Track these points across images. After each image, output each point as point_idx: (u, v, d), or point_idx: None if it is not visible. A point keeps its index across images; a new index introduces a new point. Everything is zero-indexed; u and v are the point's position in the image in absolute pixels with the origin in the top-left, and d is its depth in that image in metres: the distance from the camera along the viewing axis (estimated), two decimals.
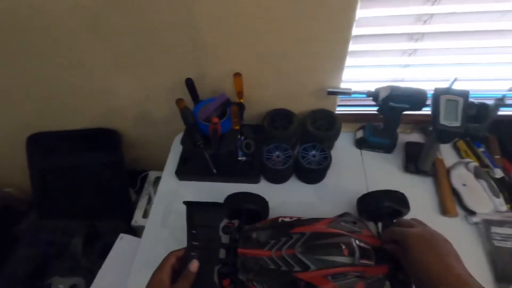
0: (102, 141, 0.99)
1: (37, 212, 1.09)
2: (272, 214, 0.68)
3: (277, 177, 0.78)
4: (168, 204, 0.78)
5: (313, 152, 0.76)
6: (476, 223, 0.68)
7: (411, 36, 0.69)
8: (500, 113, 0.64)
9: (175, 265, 0.49)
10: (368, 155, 0.84)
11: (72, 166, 1.05)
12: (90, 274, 0.91)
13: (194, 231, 0.52)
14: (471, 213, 0.69)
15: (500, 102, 0.62)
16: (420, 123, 0.86)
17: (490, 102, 0.64)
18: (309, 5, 0.59)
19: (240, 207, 0.60)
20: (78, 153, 1.04)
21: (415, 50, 0.70)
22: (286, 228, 0.53)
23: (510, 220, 0.67)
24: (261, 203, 0.64)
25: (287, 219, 0.56)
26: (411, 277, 0.44)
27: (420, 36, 0.67)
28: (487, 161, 0.76)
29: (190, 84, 0.73)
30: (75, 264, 0.93)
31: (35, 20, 0.67)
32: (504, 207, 0.68)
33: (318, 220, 0.57)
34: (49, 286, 0.89)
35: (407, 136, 0.86)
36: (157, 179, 1.13)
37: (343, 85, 0.76)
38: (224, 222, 0.54)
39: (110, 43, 0.71)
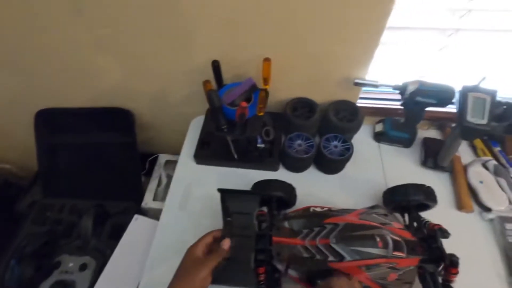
0: (115, 120, 0.96)
1: (43, 190, 1.06)
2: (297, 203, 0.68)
3: (298, 166, 0.78)
4: (186, 188, 0.78)
5: (335, 142, 0.76)
6: (491, 220, 0.70)
7: (444, 31, 0.69)
8: None
9: (211, 244, 0.50)
10: (386, 148, 0.85)
11: (82, 144, 1.02)
12: (100, 254, 0.90)
13: (229, 218, 0.51)
14: (487, 209, 0.71)
15: None
16: (438, 120, 0.87)
17: None
18: None
19: (273, 195, 0.60)
20: (89, 132, 1.01)
21: (445, 45, 0.69)
22: (318, 218, 0.53)
23: None
24: (291, 191, 0.64)
25: (318, 209, 0.56)
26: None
27: (454, 31, 0.66)
28: (503, 160, 0.77)
29: (216, 66, 0.71)
30: (85, 244, 0.92)
31: None
32: None
33: (349, 211, 0.57)
34: (58, 264, 0.88)
35: (424, 132, 0.87)
36: (167, 162, 1.11)
37: (368, 77, 0.76)
38: (257, 210, 0.53)
39: (128, 17, 0.68)
